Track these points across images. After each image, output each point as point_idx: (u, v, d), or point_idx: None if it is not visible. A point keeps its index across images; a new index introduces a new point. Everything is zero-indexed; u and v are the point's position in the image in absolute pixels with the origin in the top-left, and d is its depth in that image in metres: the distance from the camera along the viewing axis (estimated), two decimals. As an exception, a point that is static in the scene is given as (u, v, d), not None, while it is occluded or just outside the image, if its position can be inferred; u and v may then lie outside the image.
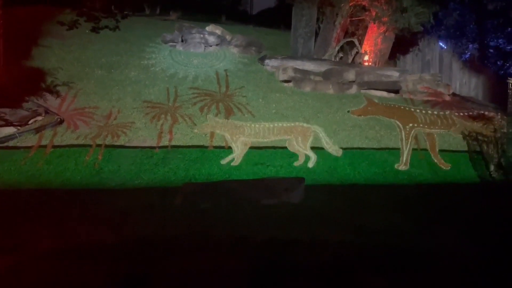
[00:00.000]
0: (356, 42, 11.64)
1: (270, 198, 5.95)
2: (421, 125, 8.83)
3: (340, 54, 11.78)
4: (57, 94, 8.14)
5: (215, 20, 13.20)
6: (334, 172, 7.39)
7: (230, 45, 11.17)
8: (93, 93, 8.38)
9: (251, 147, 7.56)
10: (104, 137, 7.29)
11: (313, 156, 7.55)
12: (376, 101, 9.45)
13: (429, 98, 10.03)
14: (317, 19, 11.72)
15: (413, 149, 8.21)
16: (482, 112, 9.67)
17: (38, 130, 7.14)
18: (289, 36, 12.08)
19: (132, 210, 5.38)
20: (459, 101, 10.57)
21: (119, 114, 7.89)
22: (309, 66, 10.34)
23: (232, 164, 7.18)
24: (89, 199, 5.76)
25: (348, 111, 8.93)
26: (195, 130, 7.73)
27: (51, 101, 7.96)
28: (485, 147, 8.22)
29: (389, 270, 4.04)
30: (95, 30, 10.89)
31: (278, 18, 14.06)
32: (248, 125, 7.96)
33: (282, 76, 9.81)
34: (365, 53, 11.54)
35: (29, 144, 6.91)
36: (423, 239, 5.00)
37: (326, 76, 10.08)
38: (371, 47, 11.56)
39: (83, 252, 4.04)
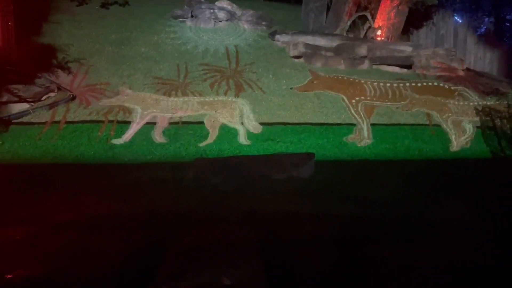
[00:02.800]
0: (369, 16, 11.42)
1: (280, 173, 5.98)
2: (368, 98, 8.48)
3: (352, 29, 11.59)
4: (68, 70, 8.20)
5: (225, -5, 13.01)
6: (344, 147, 7.39)
7: (240, 20, 11.05)
8: (104, 69, 8.41)
9: (261, 123, 7.56)
10: (116, 113, 7.35)
11: (241, 129, 7.32)
12: (323, 74, 9.04)
13: (442, 73, 9.88)
14: (329, -7, 11.53)
15: (425, 125, 8.16)
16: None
17: (51, 106, 7.23)
18: (300, 11, 11.90)
19: (145, 184, 5.48)
20: (473, 76, 10.38)
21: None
22: (320, 41, 10.19)
23: (113, 142, 6.77)
24: (103, 173, 5.86)
25: (291, 88, 8.52)
26: (100, 103, 7.42)
27: (63, 78, 8.02)
28: (498, 123, 8.13)
29: (399, 243, 4.08)
30: (104, 6, 10.85)
31: (289, -8, 13.82)
32: (165, 99, 7.75)
33: (293, 52, 9.71)
34: (378, 27, 11.33)
35: (43, 120, 7.01)
36: (433, 213, 5.02)
37: (337, 51, 9.95)
38: (384, 21, 11.34)
39: (98, 224, 4.16)
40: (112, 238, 3.82)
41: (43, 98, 7.33)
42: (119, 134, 6.96)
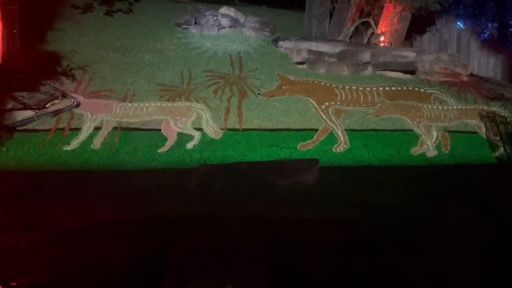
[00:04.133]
0: (372, 23, 11.44)
1: (284, 179, 5.97)
2: (339, 102, 8.30)
3: (355, 35, 11.61)
4: (73, 77, 8.22)
5: (228, 2, 13.06)
6: (348, 154, 7.38)
7: (243, 27, 11.08)
8: (108, 76, 8.44)
9: (265, 129, 7.56)
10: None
11: (197, 135, 7.22)
12: (292, 78, 8.85)
13: (446, 79, 9.87)
14: (332, -1, 11.56)
15: (429, 130, 8.14)
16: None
17: (55, 113, 7.25)
18: (303, 17, 11.92)
19: (149, 190, 5.48)
20: (477, 82, 10.37)
21: (134, 97, 7.95)
22: (323, 47, 10.22)
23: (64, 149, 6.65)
24: (107, 180, 5.86)
25: (259, 94, 8.35)
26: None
27: (67, 85, 8.04)
28: (503, 128, 8.10)
29: (403, 248, 4.06)
30: (109, 13, 10.91)
31: (292, -1, 13.84)
32: (119, 104, 7.65)
33: (296, 58, 9.73)
34: (381, 33, 11.35)
35: (47, 127, 7.02)
36: (438, 219, 5.00)
37: (340, 57, 9.98)
38: (387, 27, 11.36)
39: (102, 230, 4.15)
40: (116, 245, 3.82)
41: (48, 105, 7.35)
42: (123, 141, 6.97)
